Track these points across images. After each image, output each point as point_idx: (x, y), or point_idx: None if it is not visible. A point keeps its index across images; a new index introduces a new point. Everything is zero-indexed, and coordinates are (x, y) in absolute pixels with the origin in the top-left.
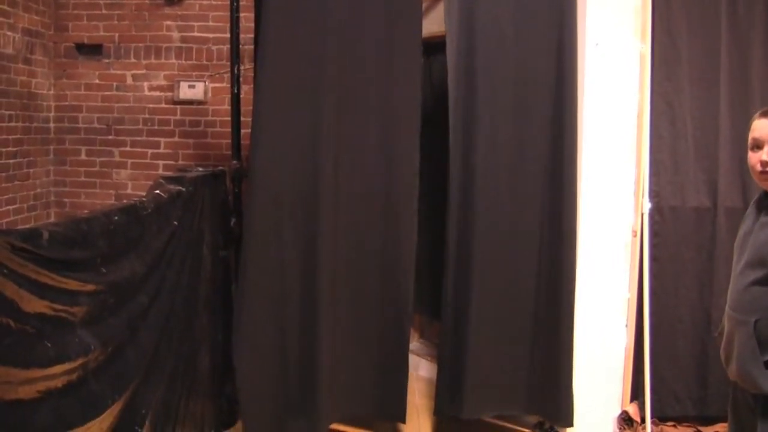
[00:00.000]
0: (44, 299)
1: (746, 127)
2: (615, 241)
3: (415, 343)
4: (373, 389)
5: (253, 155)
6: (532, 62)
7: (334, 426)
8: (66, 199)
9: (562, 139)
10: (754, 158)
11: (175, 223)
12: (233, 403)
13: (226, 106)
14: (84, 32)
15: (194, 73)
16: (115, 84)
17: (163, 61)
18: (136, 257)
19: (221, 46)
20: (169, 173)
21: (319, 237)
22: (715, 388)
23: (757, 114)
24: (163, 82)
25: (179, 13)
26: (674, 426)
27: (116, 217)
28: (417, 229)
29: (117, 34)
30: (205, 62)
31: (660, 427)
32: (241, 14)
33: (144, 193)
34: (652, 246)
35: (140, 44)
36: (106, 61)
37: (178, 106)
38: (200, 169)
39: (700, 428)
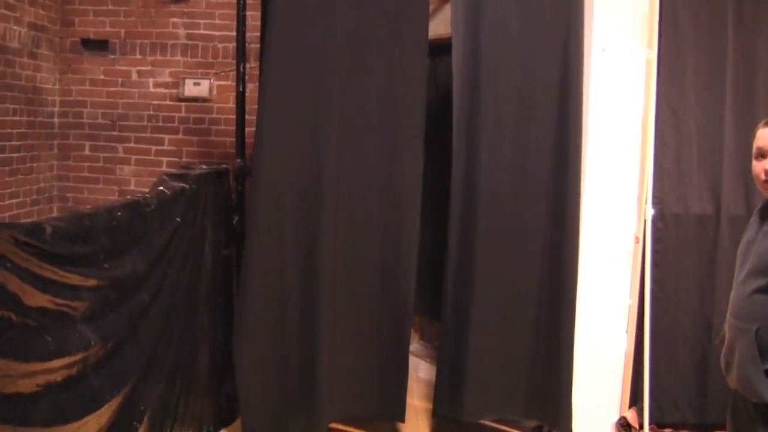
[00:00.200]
0: (46, 293)
1: (751, 135)
2: (617, 246)
3: (415, 345)
4: (372, 389)
5: (257, 154)
6: (538, 66)
7: (333, 425)
8: (69, 194)
9: (566, 144)
10: (758, 167)
11: (178, 220)
12: (232, 401)
13: (231, 104)
14: (90, 27)
15: (199, 71)
16: (120, 80)
17: (168, 57)
18: (138, 253)
19: (227, 44)
20: (172, 170)
21: (321, 236)
22: (714, 396)
23: (762, 123)
24: (169, 79)
25: (186, 10)
26: None
27: (119, 213)
28: (419, 230)
29: (123, 30)
30: (210, 60)
31: None
32: (248, 12)
33: (147, 190)
34: (654, 252)
35: (146, 41)
36: (112, 56)
37: (182, 104)
38: (204, 166)
39: None
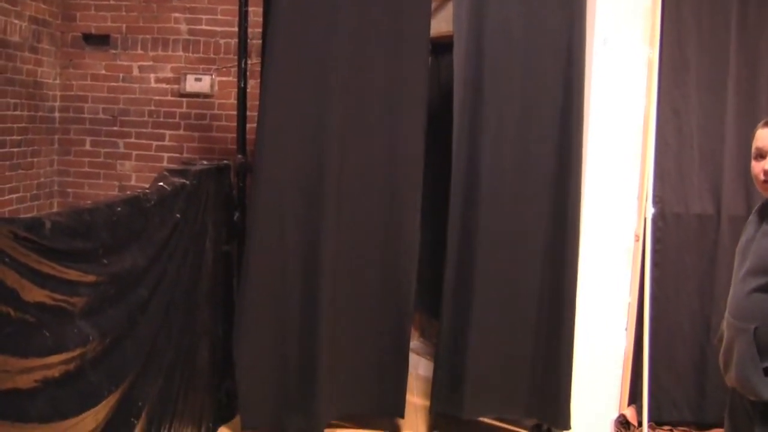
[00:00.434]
0: (44, 289)
1: (752, 136)
2: (617, 245)
3: (415, 342)
4: (372, 387)
5: (258, 150)
6: (540, 65)
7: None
8: (69, 189)
9: (567, 143)
10: (757, 167)
11: (178, 216)
12: (232, 397)
13: (233, 100)
14: (91, 22)
15: (201, 66)
16: (121, 75)
17: (170, 53)
18: (138, 249)
19: (229, 40)
20: (173, 166)
21: (322, 233)
22: (713, 395)
23: (761, 124)
24: (170, 75)
25: (187, 5)
26: (670, 430)
27: (119, 209)
28: (420, 228)
29: (125, 25)
30: (212, 55)
31: (657, 431)
32: (250, 8)
33: (148, 185)
34: (654, 251)
35: (148, 36)
36: (113, 51)
37: (184, 99)
38: (205, 162)
39: None
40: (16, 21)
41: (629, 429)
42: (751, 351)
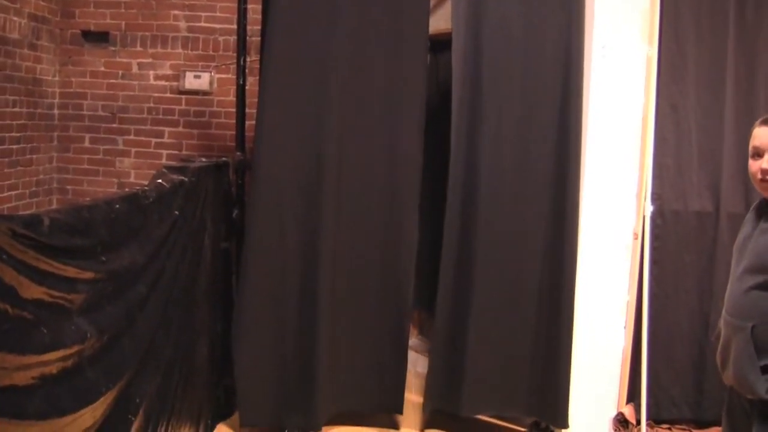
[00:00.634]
0: (42, 286)
1: (749, 133)
2: (616, 243)
3: (413, 340)
4: (371, 383)
5: (257, 147)
6: (539, 63)
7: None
8: (68, 186)
9: (566, 140)
10: (755, 166)
11: (177, 213)
12: (230, 394)
13: (231, 98)
14: (91, 19)
15: (200, 64)
16: (120, 72)
17: (169, 50)
18: (136, 246)
19: (228, 37)
20: (172, 163)
21: (321, 230)
22: (711, 393)
23: (758, 122)
24: (169, 72)
25: (186, 2)
26: (669, 428)
27: (118, 206)
28: (418, 226)
29: (124, 22)
30: (211, 53)
31: (655, 429)
32: (249, 5)
33: (147, 182)
34: (653, 249)
35: (147, 33)
36: (112, 48)
37: (183, 96)
38: (203, 159)
39: (695, 431)
40: (16, 18)
41: (628, 427)
42: (748, 349)
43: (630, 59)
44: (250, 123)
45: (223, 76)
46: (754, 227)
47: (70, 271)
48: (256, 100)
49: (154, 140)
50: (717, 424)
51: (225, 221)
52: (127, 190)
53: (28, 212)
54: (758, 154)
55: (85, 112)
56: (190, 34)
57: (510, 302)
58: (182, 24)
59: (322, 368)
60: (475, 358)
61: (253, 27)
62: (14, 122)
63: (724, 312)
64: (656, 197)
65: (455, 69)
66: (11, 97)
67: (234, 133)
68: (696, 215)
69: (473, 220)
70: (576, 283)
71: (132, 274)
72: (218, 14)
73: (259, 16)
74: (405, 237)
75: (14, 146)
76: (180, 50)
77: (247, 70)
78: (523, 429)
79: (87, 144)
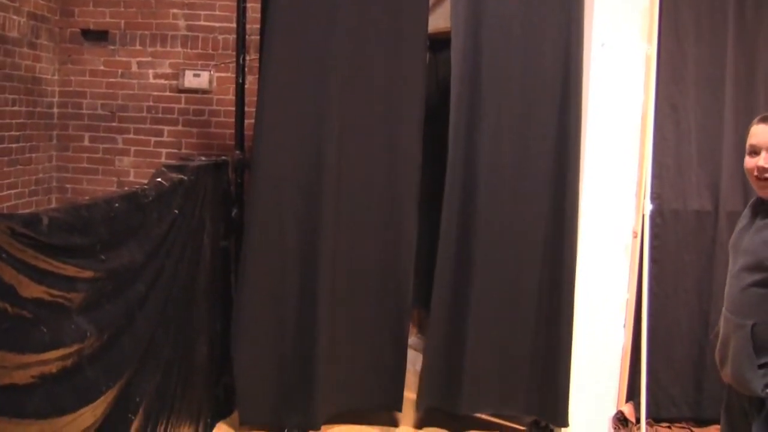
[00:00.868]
0: (42, 285)
1: (747, 131)
2: (615, 241)
3: (413, 338)
4: (370, 382)
5: (257, 146)
6: (538, 61)
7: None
8: (68, 185)
9: (565, 139)
10: (751, 163)
11: (176, 211)
12: (230, 392)
13: (231, 96)
14: (90, 18)
15: (199, 62)
16: (120, 71)
17: (168, 49)
18: (136, 245)
19: (227, 36)
20: (171, 162)
21: (320, 229)
22: (710, 391)
23: (756, 119)
24: (168, 71)
25: (186, 1)
26: (668, 427)
27: (117, 205)
28: (417, 224)
29: (123, 21)
30: (210, 51)
31: (655, 428)
32: (248, 4)
33: (146, 181)
34: (653, 248)
35: (146, 32)
36: (112, 47)
37: (182, 95)
38: (203, 158)
39: (695, 430)
40: (15, 17)
41: (627, 426)
42: (747, 347)
43: (629, 58)
44: (249, 122)
45: (222, 74)
46: (750, 224)
47: (70, 270)
48: (255, 98)
49: (153, 139)
50: (716, 422)
51: (224, 220)
52: (126, 188)
53: (27, 211)
54: (755, 151)
55: (84, 111)
56: (190, 33)
57: (509, 300)
58: (181, 23)
59: (321, 367)
60: (475, 357)
61: (253, 26)
62: (13, 121)
63: (724, 309)
64: (656, 196)
65: (454, 67)
66: (10, 96)
67: (233, 131)
68: (695, 214)
69: (472, 219)
70: (575, 281)
71: (131, 273)
72: (217, 13)
73: (259, 15)
74: (404, 235)
75: (14, 145)
76: (179, 49)
77: (246, 69)
78: (522, 427)
79: (86, 143)
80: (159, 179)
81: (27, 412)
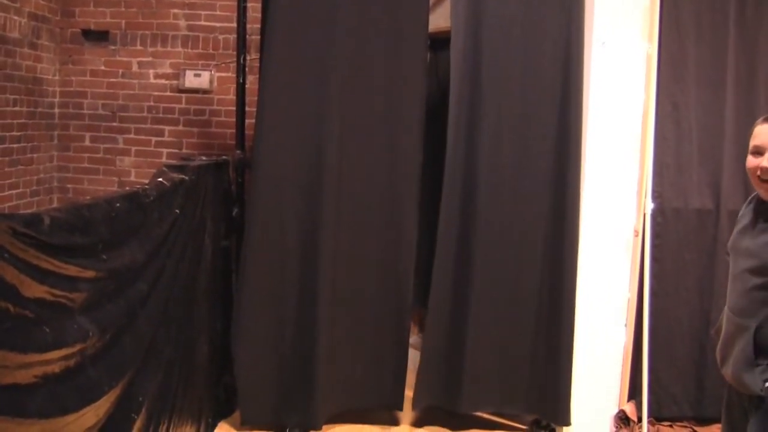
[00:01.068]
0: (44, 284)
1: (750, 131)
2: (617, 240)
3: (414, 337)
4: (371, 381)
5: (257, 145)
6: (539, 61)
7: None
8: (69, 185)
9: (566, 138)
10: (753, 162)
11: (177, 211)
12: (231, 392)
13: (232, 96)
14: (91, 18)
15: (200, 62)
16: (120, 71)
17: (169, 49)
18: (137, 245)
19: (228, 36)
20: (172, 161)
21: (321, 229)
22: (711, 390)
23: (760, 120)
24: (169, 71)
25: (186, 1)
26: (670, 426)
27: (118, 204)
28: (418, 224)
29: (124, 21)
30: (211, 51)
31: (656, 426)
32: (249, 4)
33: (147, 181)
34: (654, 247)
35: (147, 32)
36: (112, 47)
37: (183, 95)
38: (204, 158)
39: (696, 428)
40: (16, 17)
41: (629, 424)
42: (748, 349)
43: (630, 57)
44: (250, 121)
45: (223, 74)
46: (751, 225)
47: (72, 270)
48: (256, 98)
49: (154, 139)
50: (717, 421)
51: (225, 220)
52: (127, 188)
53: (28, 211)
54: (759, 152)
55: (85, 111)
56: (190, 33)
57: (510, 299)
58: (182, 22)
59: (322, 366)
60: (475, 355)
61: (253, 25)
62: (15, 121)
63: (727, 309)
64: (657, 195)
65: (454, 66)
66: (11, 96)
67: (234, 131)
68: (696, 213)
69: (472, 218)
70: (577, 280)
71: (133, 273)
72: (218, 13)
73: (259, 15)
74: (405, 235)
75: (15, 145)
76: (180, 49)
77: (247, 69)
78: (524, 426)
79: (87, 143)
80: (160, 179)
81: (29, 411)
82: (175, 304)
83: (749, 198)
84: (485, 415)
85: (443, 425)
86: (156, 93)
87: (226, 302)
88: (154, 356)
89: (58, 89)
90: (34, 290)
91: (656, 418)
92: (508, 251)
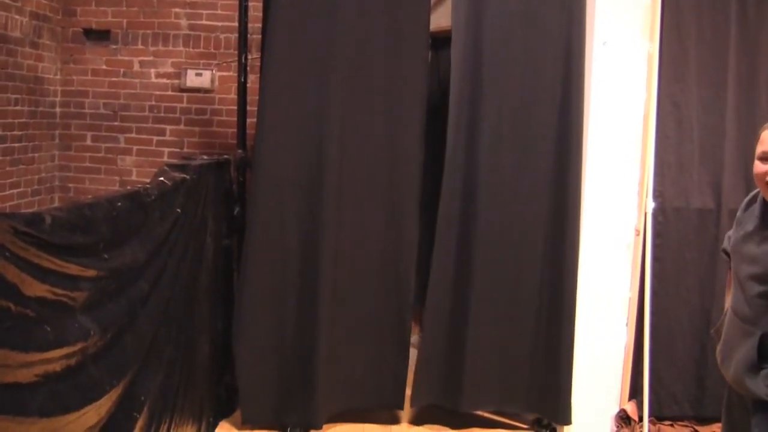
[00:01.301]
0: (45, 283)
1: (752, 130)
2: (618, 240)
3: (414, 337)
4: (372, 380)
5: (258, 145)
6: (540, 60)
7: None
8: (70, 185)
9: (567, 137)
10: (761, 169)
11: (179, 210)
12: (232, 391)
13: (233, 95)
14: (92, 17)
15: (201, 61)
16: (122, 70)
17: (170, 48)
18: (138, 244)
19: (229, 35)
20: (173, 161)
21: (322, 228)
22: (712, 390)
23: (767, 125)
24: (170, 70)
25: (188, 0)
26: (671, 425)
27: (119, 204)
28: (419, 223)
29: (125, 20)
30: (212, 50)
31: (657, 426)
32: (250, 3)
33: (148, 180)
34: (655, 246)
35: (148, 31)
36: (114, 47)
37: (184, 94)
38: (205, 157)
39: (697, 427)
40: (17, 16)
41: (630, 424)
42: (752, 354)
43: (631, 56)
44: (251, 121)
45: (224, 73)
46: (755, 230)
47: (73, 269)
48: (257, 97)
49: (155, 138)
50: (718, 420)
51: (226, 219)
52: (128, 188)
53: (30, 210)
54: (766, 158)
55: (86, 111)
56: (192, 32)
57: (511, 299)
58: (183, 22)
59: (323, 366)
60: (475, 355)
61: (254, 25)
62: (16, 121)
63: (731, 313)
64: (658, 194)
65: (454, 66)
66: (13, 96)
67: (235, 130)
68: (697, 212)
69: (472, 217)
70: (577, 279)
71: (134, 272)
72: (219, 12)
73: (260, 14)
74: (406, 235)
75: (16, 144)
76: (181, 48)
77: (248, 68)
78: (524, 425)
79: (89, 142)
80: (161, 178)
81: (30, 410)
82: (177, 304)
83: (747, 199)
84: (486, 414)
85: (444, 424)
86: (157, 92)
87: (228, 302)
88: (155, 355)
89: (59, 88)
90: (36, 289)
91: (657, 417)
92: (508, 250)
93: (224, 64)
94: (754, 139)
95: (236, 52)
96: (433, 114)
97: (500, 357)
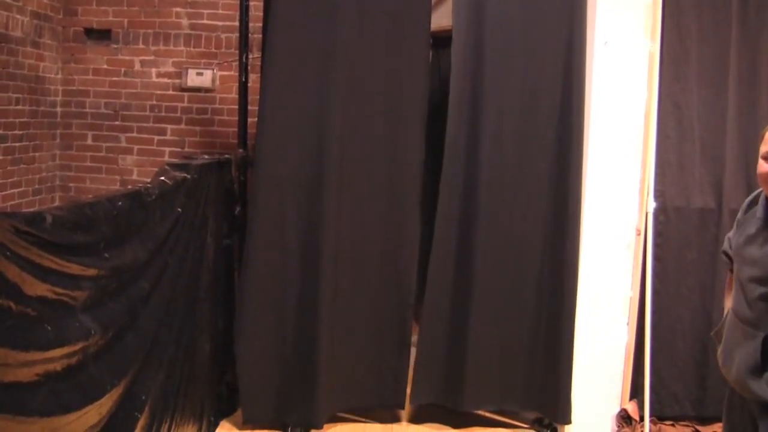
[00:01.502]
0: (46, 283)
1: (753, 129)
2: (619, 239)
3: (415, 336)
4: (373, 379)
5: (259, 144)
6: (541, 59)
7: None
8: (71, 184)
9: (568, 137)
10: (765, 167)
11: (179, 210)
12: (233, 391)
13: (234, 95)
14: (93, 17)
15: (202, 61)
16: (123, 70)
17: (171, 47)
18: (139, 243)
19: (230, 34)
20: (174, 160)
21: (323, 227)
22: (713, 389)
23: None
24: (171, 69)
25: (189, 0)
26: (672, 425)
27: (120, 203)
28: (420, 223)
29: (126, 20)
30: (213, 50)
31: (658, 426)
32: (251, 2)
33: (149, 180)
34: (656, 246)
35: (149, 30)
36: (115, 46)
37: (185, 94)
38: (206, 156)
39: (698, 427)
40: (18, 16)
41: (631, 424)
42: (755, 357)
43: (632, 55)
44: (252, 120)
45: (225, 73)
46: (758, 231)
47: (74, 268)
48: (258, 97)
49: (156, 137)
50: (719, 420)
51: (227, 218)
52: (129, 187)
53: (31, 209)
54: None
55: (87, 110)
56: (193, 32)
57: (511, 298)
58: (184, 21)
59: (323, 364)
60: (476, 354)
61: (255, 24)
62: (17, 120)
63: (732, 315)
64: (659, 194)
65: (455, 65)
66: (14, 95)
67: (236, 130)
68: (698, 212)
69: (473, 216)
70: (578, 279)
71: (135, 271)
72: (220, 11)
73: (261, 13)
74: (407, 234)
75: (17, 144)
76: (182, 47)
77: (249, 67)
78: (524, 424)
79: (89, 141)
80: (162, 178)
81: (31, 410)
82: (177, 303)
83: (748, 200)
84: (486, 413)
85: (444, 423)
86: (158, 92)
87: (228, 301)
88: (156, 355)
89: (60, 88)
90: (36, 288)
91: (658, 417)
92: (508, 250)
93: (225, 63)
94: (756, 138)
95: (237, 51)
96: (433, 113)
97: (501, 356)
